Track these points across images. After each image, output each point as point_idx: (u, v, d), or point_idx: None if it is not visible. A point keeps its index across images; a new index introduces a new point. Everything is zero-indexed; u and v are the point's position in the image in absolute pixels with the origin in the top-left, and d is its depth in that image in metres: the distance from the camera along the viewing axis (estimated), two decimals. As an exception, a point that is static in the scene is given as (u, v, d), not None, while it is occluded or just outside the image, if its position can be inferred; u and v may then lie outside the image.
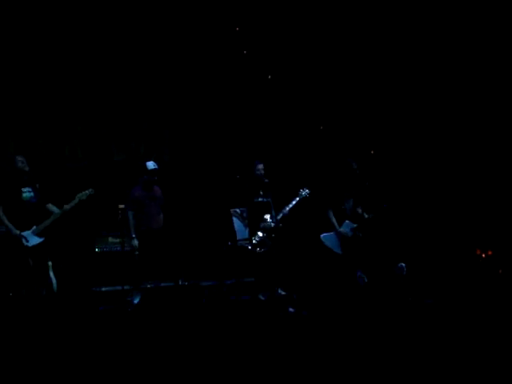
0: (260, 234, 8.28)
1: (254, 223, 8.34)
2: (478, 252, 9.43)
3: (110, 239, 9.12)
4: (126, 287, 8.21)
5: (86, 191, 7.77)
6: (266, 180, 8.37)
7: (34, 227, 7.58)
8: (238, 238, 8.39)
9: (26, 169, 7.64)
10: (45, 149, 9.86)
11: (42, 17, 9.68)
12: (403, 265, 8.45)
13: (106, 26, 10.02)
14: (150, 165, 8.28)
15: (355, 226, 8.54)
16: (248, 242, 8.31)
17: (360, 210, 8.66)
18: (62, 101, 10.11)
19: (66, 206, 7.67)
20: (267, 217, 8.33)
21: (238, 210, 8.41)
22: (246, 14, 10.53)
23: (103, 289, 8.69)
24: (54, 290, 7.62)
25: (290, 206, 8.44)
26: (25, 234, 7.54)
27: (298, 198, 8.47)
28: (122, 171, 10.19)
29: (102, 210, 9.13)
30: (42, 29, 9.70)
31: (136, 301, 7.93)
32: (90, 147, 10.20)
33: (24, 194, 7.59)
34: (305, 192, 8.49)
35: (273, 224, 8.29)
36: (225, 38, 10.59)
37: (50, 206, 7.74)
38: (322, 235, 8.64)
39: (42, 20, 9.68)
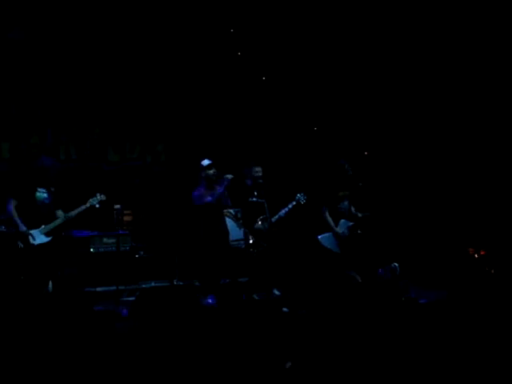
0: (250, 238, 8.33)
1: (249, 223, 8.39)
2: (471, 252, 9.46)
3: (105, 239, 9.13)
4: (120, 287, 8.24)
5: (99, 197, 7.83)
6: (261, 181, 8.43)
7: (43, 226, 7.64)
8: (231, 238, 8.42)
9: (50, 176, 7.71)
10: (40, 149, 9.87)
11: (42, 17, 9.69)
12: (396, 265, 8.51)
13: (101, 28, 10.03)
14: (206, 161, 8.35)
15: (351, 224, 8.59)
16: (243, 242, 8.36)
17: (354, 210, 8.71)
18: (57, 102, 10.11)
19: (76, 210, 7.74)
20: (260, 218, 8.38)
21: (231, 211, 8.45)
22: (240, 15, 10.55)
23: (98, 289, 8.71)
24: (49, 290, 7.65)
25: (286, 209, 8.50)
26: (32, 231, 7.58)
27: (294, 203, 8.52)
28: (116, 171, 10.21)
29: (97, 210, 9.13)
30: (41, 30, 9.71)
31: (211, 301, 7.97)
32: (84, 148, 10.21)
33: (38, 194, 7.66)
34: (302, 198, 8.51)
35: (266, 224, 8.33)
36: (219, 39, 10.60)
37: (60, 213, 7.79)
38: (319, 236, 8.69)
39: (41, 21, 9.69)
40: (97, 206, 7.87)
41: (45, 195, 7.70)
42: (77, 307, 6.71)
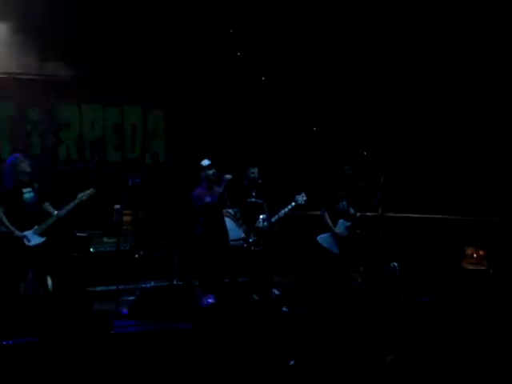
0: (251, 237, 8.36)
1: (248, 223, 8.41)
2: (470, 252, 9.47)
3: (105, 239, 9.15)
4: (120, 287, 8.24)
5: (87, 191, 7.78)
6: (260, 181, 8.45)
7: (36, 227, 7.61)
8: (231, 238, 8.45)
9: (28, 169, 7.65)
10: (39, 150, 9.88)
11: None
12: (396, 264, 8.53)
13: (101, 24, 10.04)
14: (205, 161, 8.35)
15: (349, 224, 8.61)
16: (242, 241, 8.38)
17: (353, 210, 8.73)
18: (55, 102, 10.12)
19: (67, 207, 7.70)
20: (261, 218, 8.41)
21: (231, 211, 8.47)
22: (239, 15, 10.57)
23: (98, 288, 8.72)
24: (50, 289, 7.65)
25: (286, 209, 8.52)
26: (26, 233, 7.56)
27: (293, 203, 8.52)
28: (116, 171, 10.22)
29: (97, 210, 9.16)
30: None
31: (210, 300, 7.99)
32: (84, 148, 10.22)
33: (25, 195, 7.60)
34: (301, 199, 8.52)
35: (266, 224, 8.36)
36: (219, 39, 10.62)
37: (47, 206, 7.75)
38: (318, 236, 8.71)
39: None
40: (84, 198, 7.79)
41: (31, 194, 7.65)
42: (77, 306, 6.74)
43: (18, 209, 7.57)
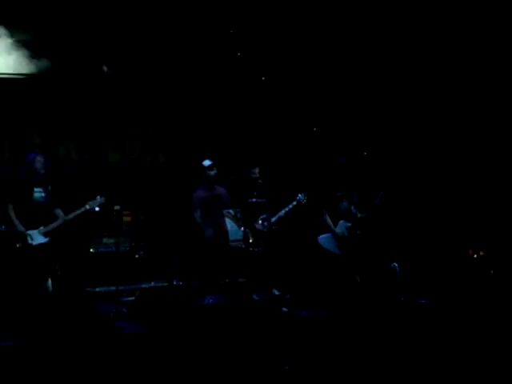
0: (251, 237, 8.36)
1: (249, 223, 8.42)
2: (471, 252, 9.48)
3: (105, 239, 9.16)
4: (120, 287, 8.24)
5: (98, 200, 7.83)
6: (260, 181, 8.46)
7: (41, 227, 7.65)
8: (231, 238, 8.45)
9: (42, 171, 7.70)
10: (39, 150, 9.87)
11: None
12: (396, 265, 8.52)
13: (100, 25, 10.04)
14: (207, 162, 8.36)
15: (350, 224, 8.60)
16: (242, 242, 8.38)
17: (354, 210, 8.72)
18: (55, 101, 10.12)
19: (74, 213, 7.75)
20: (261, 218, 8.41)
21: (231, 211, 8.48)
22: (239, 15, 10.57)
23: (97, 289, 8.72)
24: (49, 290, 7.67)
25: (286, 209, 8.52)
26: (31, 232, 7.59)
27: (294, 203, 8.53)
28: (116, 172, 10.23)
29: (97, 210, 9.16)
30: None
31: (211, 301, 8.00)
32: (84, 148, 10.22)
33: (35, 194, 7.66)
34: (302, 198, 8.53)
35: (266, 224, 8.36)
36: (219, 40, 10.62)
37: (58, 211, 7.80)
38: (319, 237, 8.71)
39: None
40: (96, 209, 7.88)
41: (42, 194, 7.71)
42: (78, 307, 6.73)
43: (26, 207, 7.64)
